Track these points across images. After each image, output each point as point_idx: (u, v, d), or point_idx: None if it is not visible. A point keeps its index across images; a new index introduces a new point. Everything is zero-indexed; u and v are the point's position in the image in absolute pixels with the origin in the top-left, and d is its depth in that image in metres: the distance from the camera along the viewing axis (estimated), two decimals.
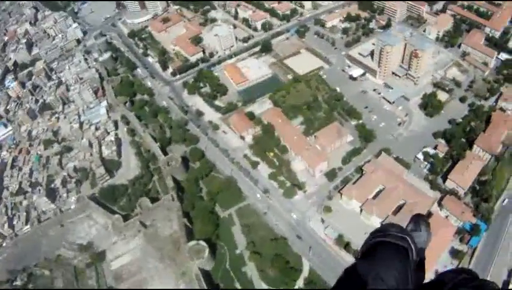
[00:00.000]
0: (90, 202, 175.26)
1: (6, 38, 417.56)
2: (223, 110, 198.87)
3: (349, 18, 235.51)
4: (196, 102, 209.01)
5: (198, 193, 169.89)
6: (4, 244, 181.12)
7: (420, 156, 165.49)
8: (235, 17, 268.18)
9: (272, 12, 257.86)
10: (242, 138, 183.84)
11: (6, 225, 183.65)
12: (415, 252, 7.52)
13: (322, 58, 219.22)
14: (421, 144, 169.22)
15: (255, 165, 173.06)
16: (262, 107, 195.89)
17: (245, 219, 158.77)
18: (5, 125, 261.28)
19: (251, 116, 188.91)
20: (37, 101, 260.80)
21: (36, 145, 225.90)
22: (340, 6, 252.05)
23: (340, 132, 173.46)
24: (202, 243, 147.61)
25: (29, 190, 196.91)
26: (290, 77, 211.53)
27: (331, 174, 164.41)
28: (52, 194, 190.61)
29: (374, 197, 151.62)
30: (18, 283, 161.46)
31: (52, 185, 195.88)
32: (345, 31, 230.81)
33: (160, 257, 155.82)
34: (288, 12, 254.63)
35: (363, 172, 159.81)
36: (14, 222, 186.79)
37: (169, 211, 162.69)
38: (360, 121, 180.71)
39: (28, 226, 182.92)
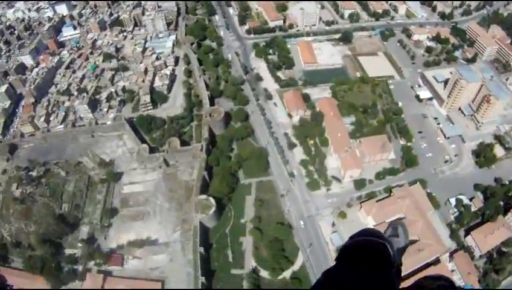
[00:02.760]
0: (126, 123, 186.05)
1: None
2: (282, 83, 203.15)
3: (437, 38, 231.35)
4: (260, 66, 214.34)
5: (228, 152, 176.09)
6: (35, 134, 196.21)
7: (453, 201, 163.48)
8: None
9: (364, 6, 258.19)
10: (290, 116, 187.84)
11: (42, 118, 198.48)
12: (393, 258, 7.68)
13: (396, 68, 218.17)
14: (459, 190, 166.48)
15: (291, 146, 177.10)
16: (321, 94, 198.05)
17: (262, 193, 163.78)
18: (74, 28, 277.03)
19: (306, 98, 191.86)
20: (111, 14, 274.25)
21: (96, 55, 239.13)
22: (433, 24, 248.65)
23: (385, 146, 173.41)
24: (212, 200, 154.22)
25: (75, 93, 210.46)
26: (358, 74, 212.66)
27: (359, 183, 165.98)
28: (94, 104, 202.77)
29: (391, 222, 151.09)
30: (34, 173, 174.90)
31: (98, 96, 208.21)
32: (428, 49, 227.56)
33: (170, 197, 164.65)
34: (380, 11, 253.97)
35: (391, 194, 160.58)
36: (51, 118, 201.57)
37: (194, 159, 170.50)
38: (409, 144, 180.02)
39: (62, 126, 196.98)
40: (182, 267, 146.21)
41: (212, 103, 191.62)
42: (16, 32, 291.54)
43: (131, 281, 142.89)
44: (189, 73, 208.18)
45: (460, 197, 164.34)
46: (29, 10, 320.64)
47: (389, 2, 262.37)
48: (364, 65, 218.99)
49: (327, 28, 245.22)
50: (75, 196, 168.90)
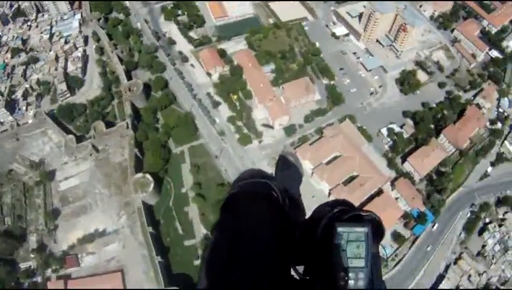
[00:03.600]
0: (47, 118, 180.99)
1: None
2: (195, 43, 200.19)
3: None
4: (171, 29, 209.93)
5: (155, 124, 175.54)
6: None
7: (384, 131, 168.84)
8: None
9: None
10: (209, 74, 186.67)
11: None
12: (281, 194, 7.17)
13: (308, 9, 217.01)
14: (388, 120, 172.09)
15: (216, 105, 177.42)
16: (236, 47, 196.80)
17: (196, 158, 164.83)
18: None
19: (222, 53, 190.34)
20: (11, 6, 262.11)
21: (3, 53, 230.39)
22: None
23: (309, 88, 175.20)
24: (148, 176, 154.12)
25: None
26: (271, 21, 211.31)
27: (290, 130, 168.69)
28: (12, 105, 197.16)
29: (328, 162, 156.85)
30: None
31: (13, 96, 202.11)
32: None
33: (107, 183, 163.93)
34: None
35: (323, 134, 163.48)
36: None
37: (122, 138, 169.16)
38: (332, 82, 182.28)
39: None
40: (136, 251, 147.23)
41: (129, 77, 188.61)
42: None
43: (91, 278, 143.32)
44: (101, 50, 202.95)
45: (391, 126, 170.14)
46: None
47: None
48: (276, 10, 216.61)
49: None
50: (15, 206, 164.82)
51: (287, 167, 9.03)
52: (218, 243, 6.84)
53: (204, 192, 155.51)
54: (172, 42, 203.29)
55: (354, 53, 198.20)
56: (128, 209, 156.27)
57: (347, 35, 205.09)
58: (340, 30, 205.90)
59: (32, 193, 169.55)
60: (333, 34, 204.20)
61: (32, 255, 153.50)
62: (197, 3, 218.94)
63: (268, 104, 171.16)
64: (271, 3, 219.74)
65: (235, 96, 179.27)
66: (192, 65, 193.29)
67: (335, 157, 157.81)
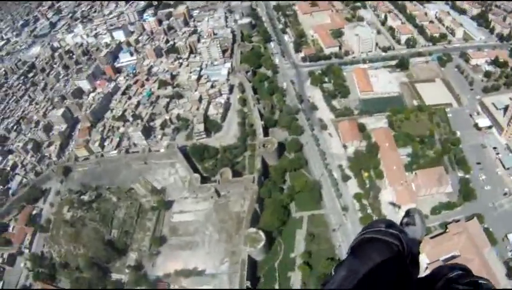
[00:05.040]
0: (179, 152, 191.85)
1: None
2: (337, 113, 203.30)
3: (496, 62, 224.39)
4: (315, 95, 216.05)
5: (281, 184, 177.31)
6: (89, 159, 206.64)
7: (511, 237, 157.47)
8: (383, 23, 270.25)
9: (420, 30, 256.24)
10: (345, 147, 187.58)
11: (97, 143, 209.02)
12: (407, 248, 7.50)
13: (454, 94, 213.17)
14: None
15: (346, 178, 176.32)
16: (376, 124, 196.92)
17: (314, 227, 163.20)
18: (131, 54, 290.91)
19: (362, 128, 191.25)
20: (167, 41, 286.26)
21: (151, 82, 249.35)
22: (491, 46, 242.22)
23: (442, 179, 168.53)
24: (261, 233, 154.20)
25: (130, 119, 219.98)
26: (415, 102, 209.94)
27: None
28: (148, 131, 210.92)
29: (446, 260, 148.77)
30: (85, 197, 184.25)
31: (152, 123, 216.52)
32: (487, 74, 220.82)
33: (220, 228, 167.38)
34: (437, 35, 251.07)
35: (447, 230, 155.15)
36: (106, 143, 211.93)
37: (246, 190, 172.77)
38: (467, 176, 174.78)
39: (116, 151, 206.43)
40: None
41: (266, 133, 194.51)
42: (74, 57, 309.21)
43: None
44: (243, 102, 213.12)
45: None
46: (88, 36, 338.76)
47: (445, 25, 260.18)
48: (422, 92, 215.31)
49: (383, 54, 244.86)
50: (125, 222, 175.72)
51: (412, 223, 9.02)
52: (343, 281, 7.14)
53: (312, 262, 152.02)
54: (314, 108, 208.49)
55: (494, 148, 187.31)
56: (232, 259, 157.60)
57: (490, 127, 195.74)
58: (484, 122, 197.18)
59: (145, 215, 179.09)
60: (476, 125, 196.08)
61: (127, 271, 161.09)
62: (345, 74, 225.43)
63: (398, 188, 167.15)
64: (418, 86, 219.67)
65: (366, 174, 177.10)
66: (330, 134, 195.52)
67: (453, 257, 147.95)
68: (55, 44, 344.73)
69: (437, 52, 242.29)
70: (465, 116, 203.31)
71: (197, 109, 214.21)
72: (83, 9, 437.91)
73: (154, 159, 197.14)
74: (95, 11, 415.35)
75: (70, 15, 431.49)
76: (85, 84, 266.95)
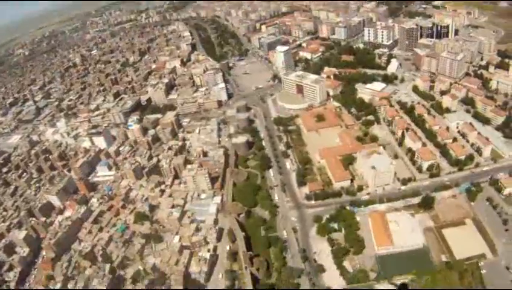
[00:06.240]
0: None
1: (153, 66, 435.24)
2: (349, 278, 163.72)
3: None
4: (322, 249, 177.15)
5: None
6: None
7: None
8: (400, 142, 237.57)
9: (443, 151, 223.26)
10: None
11: (59, 285, 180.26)
12: None
13: (487, 240, 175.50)
14: None
15: None
16: None
17: None
18: (109, 167, 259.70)
19: None
20: (150, 157, 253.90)
21: (128, 212, 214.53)
22: None
23: None
24: None
25: (100, 259, 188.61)
26: (443, 258, 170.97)
27: None
28: (117, 281, 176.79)
29: None
30: None
31: (122, 272, 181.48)
32: None
33: None
34: (462, 157, 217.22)
35: None
36: (69, 285, 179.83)
37: None
38: None
39: None
40: None
41: None
42: (50, 159, 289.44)
43: None
44: (233, 257, 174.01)
45: None
46: (68, 134, 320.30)
47: (470, 142, 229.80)
48: (450, 242, 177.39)
49: (403, 187, 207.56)
50: None
51: None
52: None
53: None
54: (321, 270, 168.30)
55: None
56: None
57: None
58: None
59: None
60: None
61: None
62: (359, 218, 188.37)
63: None
64: (445, 232, 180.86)
65: None
66: None
67: None
68: (35, 138, 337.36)
69: (464, 182, 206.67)
70: (501, 270, 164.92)
71: (176, 263, 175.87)
72: (70, 97, 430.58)
73: None
74: (81, 103, 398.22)
75: (57, 102, 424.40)
76: (55, 201, 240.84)
